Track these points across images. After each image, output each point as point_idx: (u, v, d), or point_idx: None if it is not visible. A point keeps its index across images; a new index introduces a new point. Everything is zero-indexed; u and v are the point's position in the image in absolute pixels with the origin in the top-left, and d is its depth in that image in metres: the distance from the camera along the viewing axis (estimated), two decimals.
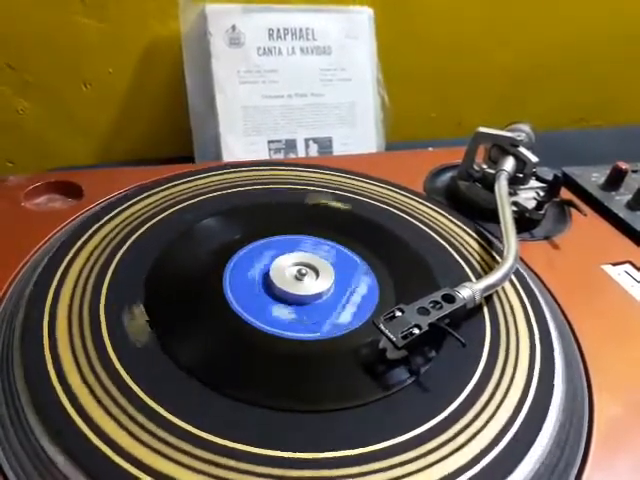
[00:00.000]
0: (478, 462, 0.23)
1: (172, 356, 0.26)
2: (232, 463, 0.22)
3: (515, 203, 0.41)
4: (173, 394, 0.24)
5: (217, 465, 0.22)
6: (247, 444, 0.23)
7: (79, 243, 0.32)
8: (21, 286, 0.30)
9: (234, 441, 0.23)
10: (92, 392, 0.24)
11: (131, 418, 0.23)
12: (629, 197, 0.45)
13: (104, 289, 0.29)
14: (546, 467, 0.24)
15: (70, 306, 0.28)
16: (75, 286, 0.29)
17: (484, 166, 0.43)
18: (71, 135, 0.55)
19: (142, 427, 0.23)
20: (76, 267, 0.30)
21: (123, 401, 0.24)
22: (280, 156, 0.52)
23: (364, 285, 0.32)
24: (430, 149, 0.51)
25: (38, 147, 0.55)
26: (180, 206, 0.37)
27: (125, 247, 0.32)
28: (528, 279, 0.35)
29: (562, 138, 0.64)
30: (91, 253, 0.31)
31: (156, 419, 0.23)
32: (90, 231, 0.33)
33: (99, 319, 0.27)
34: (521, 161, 0.41)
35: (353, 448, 0.23)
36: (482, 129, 0.42)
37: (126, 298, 0.29)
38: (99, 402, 0.23)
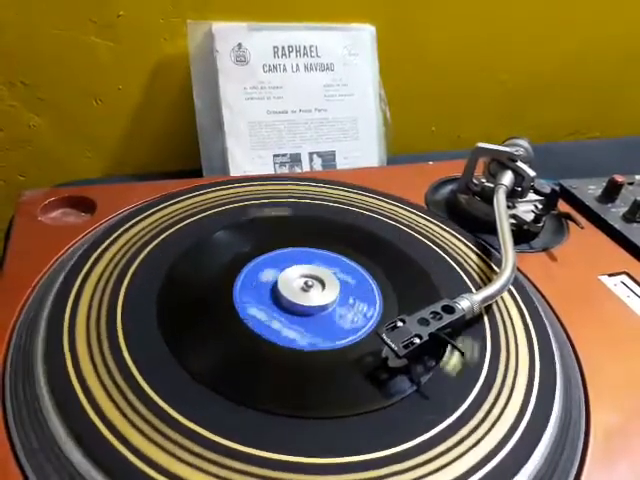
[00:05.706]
0: (475, 473, 0.24)
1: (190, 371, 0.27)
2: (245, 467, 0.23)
3: (514, 216, 0.42)
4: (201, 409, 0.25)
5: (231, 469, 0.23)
6: (259, 449, 0.24)
7: (95, 255, 0.33)
8: (39, 298, 0.31)
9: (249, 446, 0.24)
10: (115, 403, 0.25)
11: (159, 431, 0.24)
12: (625, 209, 0.46)
13: (119, 303, 0.30)
14: (543, 475, 0.25)
15: (87, 320, 0.29)
16: (91, 300, 0.30)
17: (483, 180, 0.44)
18: (81, 149, 0.56)
19: (175, 442, 0.24)
20: (92, 281, 0.31)
21: (141, 407, 0.25)
22: (285, 170, 0.53)
23: (367, 296, 0.33)
24: (430, 163, 0.52)
25: (49, 161, 0.56)
26: (191, 220, 0.38)
27: (138, 260, 0.33)
28: (526, 289, 0.36)
29: (558, 150, 0.65)
30: (105, 267, 0.33)
31: (173, 424, 0.24)
32: (104, 245, 0.34)
33: (116, 331, 0.29)
34: (519, 175, 0.42)
35: (356, 455, 0.24)
36: (481, 144, 0.43)
37: (141, 313, 0.30)
38: (120, 411, 0.25)
